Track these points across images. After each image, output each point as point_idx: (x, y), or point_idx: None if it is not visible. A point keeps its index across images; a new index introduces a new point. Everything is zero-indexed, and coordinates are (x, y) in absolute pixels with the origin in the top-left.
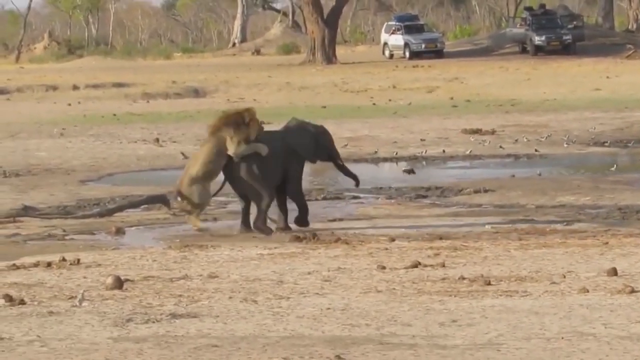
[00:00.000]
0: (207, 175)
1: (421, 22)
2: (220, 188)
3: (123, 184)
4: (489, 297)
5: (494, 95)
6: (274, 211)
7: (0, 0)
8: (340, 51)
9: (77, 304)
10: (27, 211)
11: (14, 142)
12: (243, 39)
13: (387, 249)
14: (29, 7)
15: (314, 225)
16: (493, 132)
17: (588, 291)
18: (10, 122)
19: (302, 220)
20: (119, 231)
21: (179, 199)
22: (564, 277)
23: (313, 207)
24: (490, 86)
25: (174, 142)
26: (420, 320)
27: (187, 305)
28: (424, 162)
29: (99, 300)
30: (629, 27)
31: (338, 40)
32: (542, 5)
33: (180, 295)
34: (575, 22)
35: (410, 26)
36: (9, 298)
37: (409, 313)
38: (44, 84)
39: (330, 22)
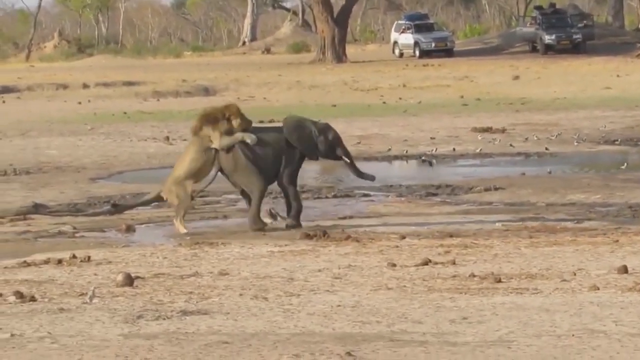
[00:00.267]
0: (190, 175)
1: (431, 21)
2: (206, 186)
3: (133, 181)
4: (500, 294)
5: (504, 94)
6: (282, 208)
7: None
8: (350, 50)
9: (88, 300)
10: (37, 209)
11: (25, 140)
12: (253, 38)
13: (397, 246)
14: (39, 6)
15: (324, 222)
16: (503, 131)
17: (598, 289)
18: (20, 121)
19: (292, 216)
20: (129, 229)
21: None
22: (575, 274)
23: (323, 204)
24: (500, 85)
25: (184, 140)
26: (431, 317)
27: (197, 302)
28: (434, 160)
29: (110, 297)
30: (639, 26)
31: (348, 39)
32: (552, 4)
33: (190, 293)
34: (585, 21)
35: (420, 25)
36: (19, 295)
37: (419, 310)
38: (54, 83)
39: (340, 21)
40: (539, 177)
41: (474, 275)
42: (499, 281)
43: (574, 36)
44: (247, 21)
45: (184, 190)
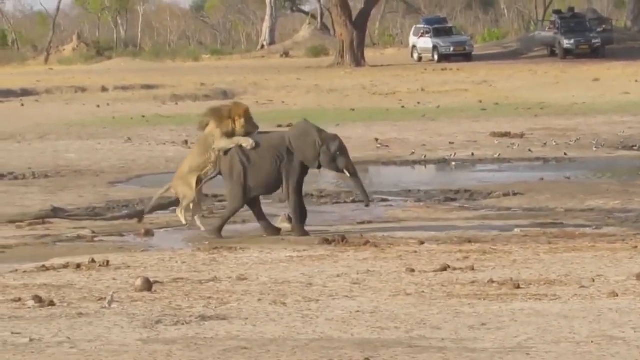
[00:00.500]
0: (193, 170)
1: (450, 25)
2: (204, 183)
3: (152, 185)
4: (518, 300)
5: (522, 99)
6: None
7: (29, 2)
8: (369, 54)
9: (107, 305)
10: (56, 213)
11: (43, 143)
12: (272, 41)
13: (416, 252)
14: (58, 9)
15: (342, 227)
16: (522, 136)
17: (617, 295)
18: (39, 124)
19: (293, 224)
20: (148, 233)
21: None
22: (593, 280)
23: (342, 209)
24: (519, 89)
25: None
26: (450, 323)
27: (216, 307)
28: (453, 165)
29: (128, 302)
30: None
31: (367, 43)
32: (571, 9)
33: (209, 298)
34: (604, 26)
35: (439, 29)
36: (38, 299)
37: (438, 316)
38: (73, 86)
39: (359, 24)
40: (558, 183)
41: (493, 281)
42: (518, 287)
43: (593, 41)
44: (266, 24)
45: (186, 183)
